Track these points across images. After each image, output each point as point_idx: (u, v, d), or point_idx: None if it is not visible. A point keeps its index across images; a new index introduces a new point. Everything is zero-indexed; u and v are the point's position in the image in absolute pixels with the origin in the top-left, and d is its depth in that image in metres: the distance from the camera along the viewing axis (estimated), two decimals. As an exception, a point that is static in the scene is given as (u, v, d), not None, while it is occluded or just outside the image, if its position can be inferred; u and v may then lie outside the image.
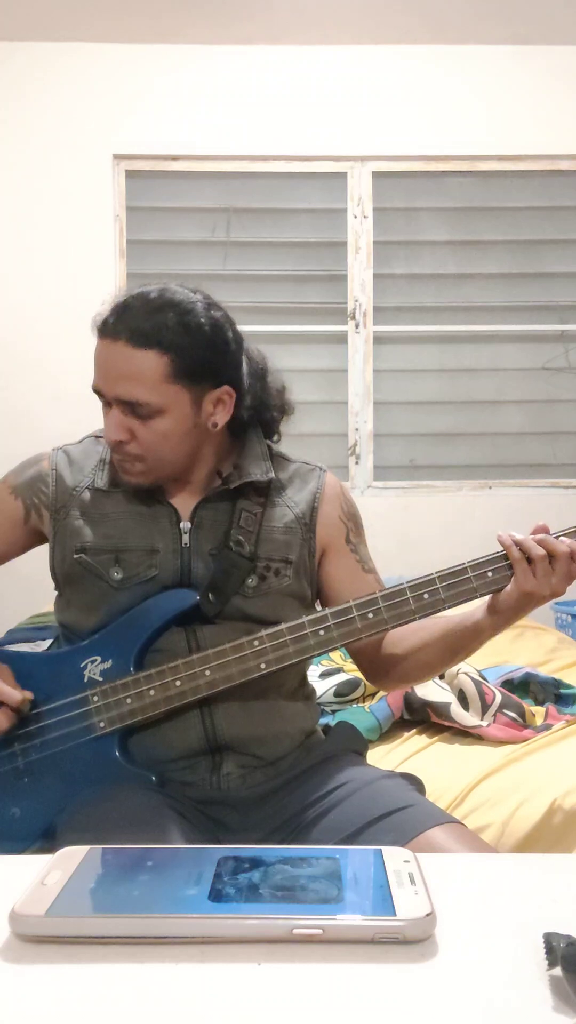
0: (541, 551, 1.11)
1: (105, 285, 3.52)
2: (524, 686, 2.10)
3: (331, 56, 3.56)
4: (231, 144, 3.58)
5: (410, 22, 3.41)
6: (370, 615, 1.14)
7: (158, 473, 1.20)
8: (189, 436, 1.18)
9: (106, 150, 3.56)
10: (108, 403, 1.17)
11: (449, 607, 1.15)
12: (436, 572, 1.14)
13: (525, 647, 2.52)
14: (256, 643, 1.14)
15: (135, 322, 1.12)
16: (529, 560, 1.11)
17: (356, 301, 3.66)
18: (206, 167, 3.62)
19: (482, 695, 1.88)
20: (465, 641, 1.20)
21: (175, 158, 3.61)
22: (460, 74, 3.59)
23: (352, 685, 2.01)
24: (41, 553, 1.28)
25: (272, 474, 1.26)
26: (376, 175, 3.65)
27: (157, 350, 1.12)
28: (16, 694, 1.16)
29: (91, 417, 1.23)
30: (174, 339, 1.13)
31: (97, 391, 1.18)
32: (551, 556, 1.11)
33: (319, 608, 1.27)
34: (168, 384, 1.13)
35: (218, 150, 3.58)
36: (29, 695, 1.18)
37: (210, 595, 1.18)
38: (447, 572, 1.14)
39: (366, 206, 3.65)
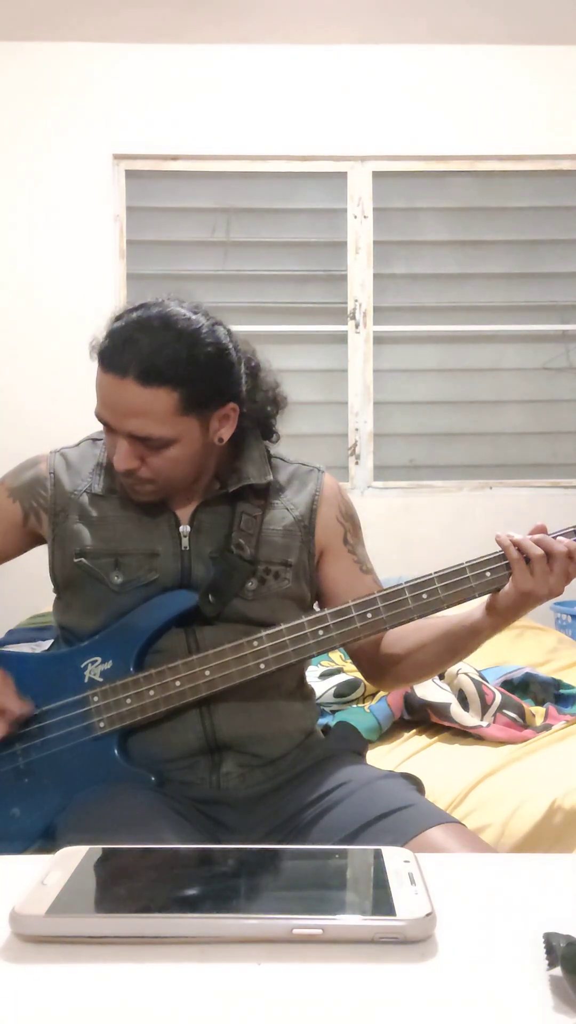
0: (539, 551, 1.11)
1: (105, 285, 3.52)
2: (524, 686, 2.10)
3: (331, 56, 3.56)
4: (231, 144, 3.58)
5: (410, 22, 3.41)
6: (369, 615, 1.14)
7: (168, 491, 1.20)
8: (198, 455, 1.18)
9: (106, 150, 3.56)
10: (113, 430, 1.15)
11: (448, 607, 1.15)
12: (435, 572, 1.14)
13: (525, 647, 2.53)
14: (255, 643, 1.14)
15: (142, 359, 1.09)
16: (527, 560, 1.11)
17: (356, 301, 3.66)
18: (206, 167, 3.62)
19: (482, 695, 1.88)
20: (464, 641, 1.20)
21: (175, 158, 3.61)
22: (460, 74, 3.59)
23: (352, 686, 2.01)
24: (41, 553, 1.28)
25: (270, 477, 1.26)
26: (376, 175, 3.64)
27: (168, 387, 1.10)
28: (15, 706, 1.16)
29: (90, 418, 1.22)
30: (183, 373, 1.11)
31: (102, 420, 1.16)
32: (549, 556, 1.11)
33: (317, 609, 1.27)
34: (179, 417, 1.12)
35: (218, 150, 3.58)
36: (28, 707, 1.18)
37: (210, 596, 1.18)
38: (446, 572, 1.14)
39: (366, 206, 3.64)
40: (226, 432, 1.20)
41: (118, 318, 1.16)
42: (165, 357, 1.10)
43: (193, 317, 1.15)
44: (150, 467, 1.15)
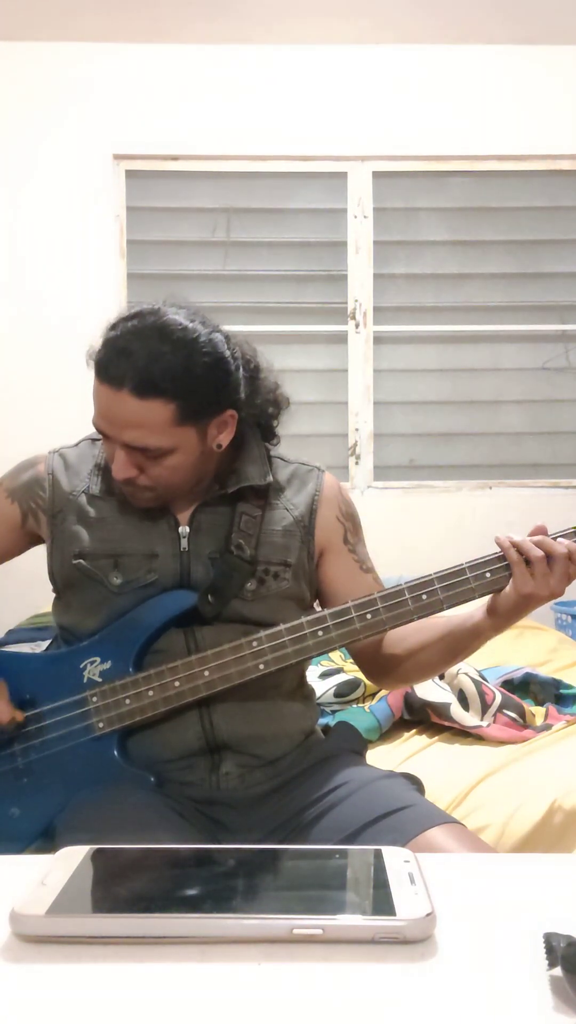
0: (539, 553, 1.11)
1: (105, 285, 3.52)
2: (524, 686, 2.10)
3: (331, 56, 3.56)
4: (231, 144, 3.58)
5: (410, 22, 3.41)
6: (369, 616, 1.14)
7: (168, 498, 1.20)
8: (196, 463, 1.17)
9: (106, 150, 3.56)
10: (111, 440, 1.15)
11: (448, 608, 1.15)
12: (435, 573, 1.14)
13: (525, 647, 2.53)
14: (255, 644, 1.14)
15: (137, 371, 1.08)
16: (527, 562, 1.11)
17: (356, 301, 3.66)
18: (206, 167, 3.62)
19: (482, 695, 1.88)
20: (465, 642, 1.20)
21: (175, 158, 3.61)
22: (460, 74, 3.59)
23: (352, 685, 2.01)
24: (41, 553, 1.28)
25: (270, 477, 1.25)
26: (376, 175, 3.64)
27: (164, 399, 1.09)
28: (5, 714, 1.16)
29: (89, 418, 1.22)
30: (180, 385, 1.10)
31: (99, 430, 1.15)
32: (549, 557, 1.11)
33: (318, 609, 1.27)
34: (176, 427, 1.11)
35: (218, 150, 3.58)
36: (20, 716, 1.18)
37: (209, 597, 1.18)
38: (445, 573, 1.14)
39: (366, 206, 3.64)
40: (225, 438, 1.19)
41: (113, 327, 1.14)
42: (161, 369, 1.09)
43: (190, 326, 1.13)
44: (149, 475, 1.15)
